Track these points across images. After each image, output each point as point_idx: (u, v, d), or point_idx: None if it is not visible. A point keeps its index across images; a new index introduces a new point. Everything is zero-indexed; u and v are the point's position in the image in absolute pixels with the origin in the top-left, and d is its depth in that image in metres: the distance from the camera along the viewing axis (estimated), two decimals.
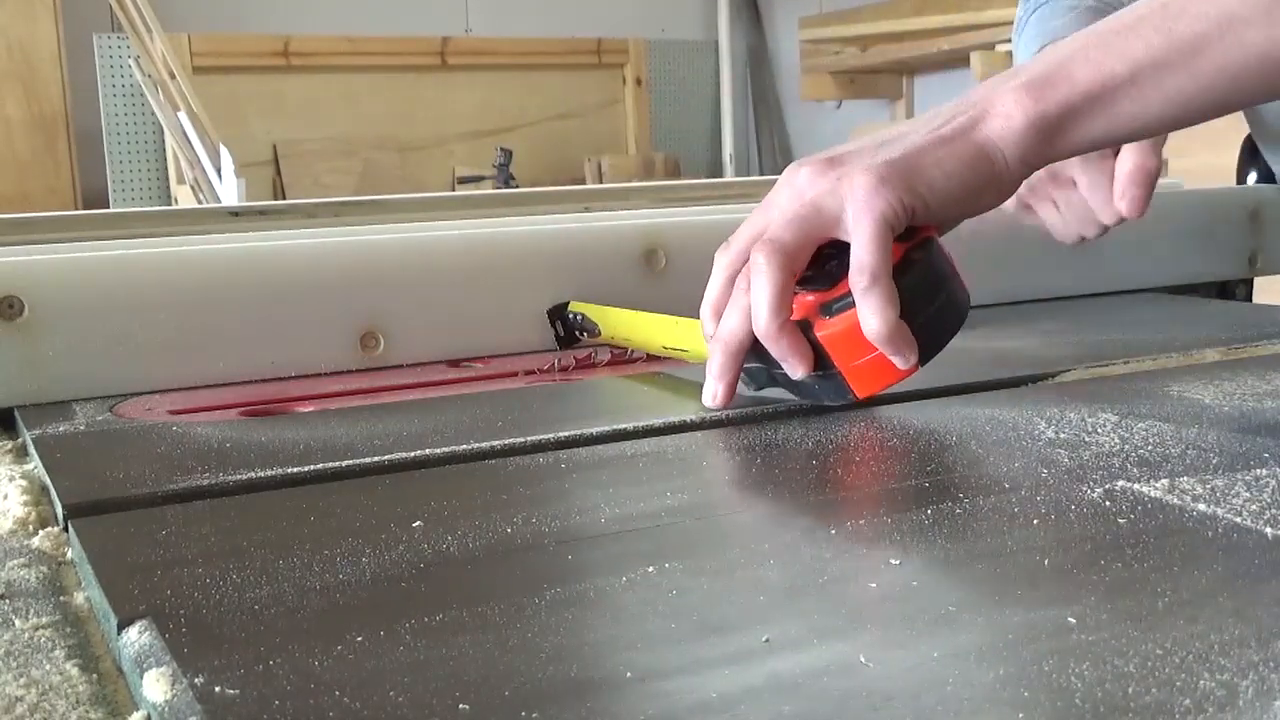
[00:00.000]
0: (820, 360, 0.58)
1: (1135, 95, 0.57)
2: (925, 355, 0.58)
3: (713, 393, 0.60)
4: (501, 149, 4.09)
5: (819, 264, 0.58)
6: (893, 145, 0.58)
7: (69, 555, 0.47)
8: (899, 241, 0.57)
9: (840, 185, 0.57)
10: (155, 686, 0.32)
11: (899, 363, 0.57)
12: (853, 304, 0.56)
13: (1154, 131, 0.60)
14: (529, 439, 0.56)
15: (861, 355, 0.57)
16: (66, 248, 0.75)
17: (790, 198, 0.59)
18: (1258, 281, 1.09)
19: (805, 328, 0.57)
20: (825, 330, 0.57)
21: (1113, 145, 0.59)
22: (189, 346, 0.70)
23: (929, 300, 0.58)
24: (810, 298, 0.58)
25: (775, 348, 0.57)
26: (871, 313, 0.55)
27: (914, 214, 0.57)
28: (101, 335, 0.68)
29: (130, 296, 0.69)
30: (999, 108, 0.58)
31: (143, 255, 0.72)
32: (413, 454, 0.54)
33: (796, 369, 0.58)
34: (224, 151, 3.25)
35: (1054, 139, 0.58)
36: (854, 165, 0.57)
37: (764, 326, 0.57)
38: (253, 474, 0.52)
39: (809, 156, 0.60)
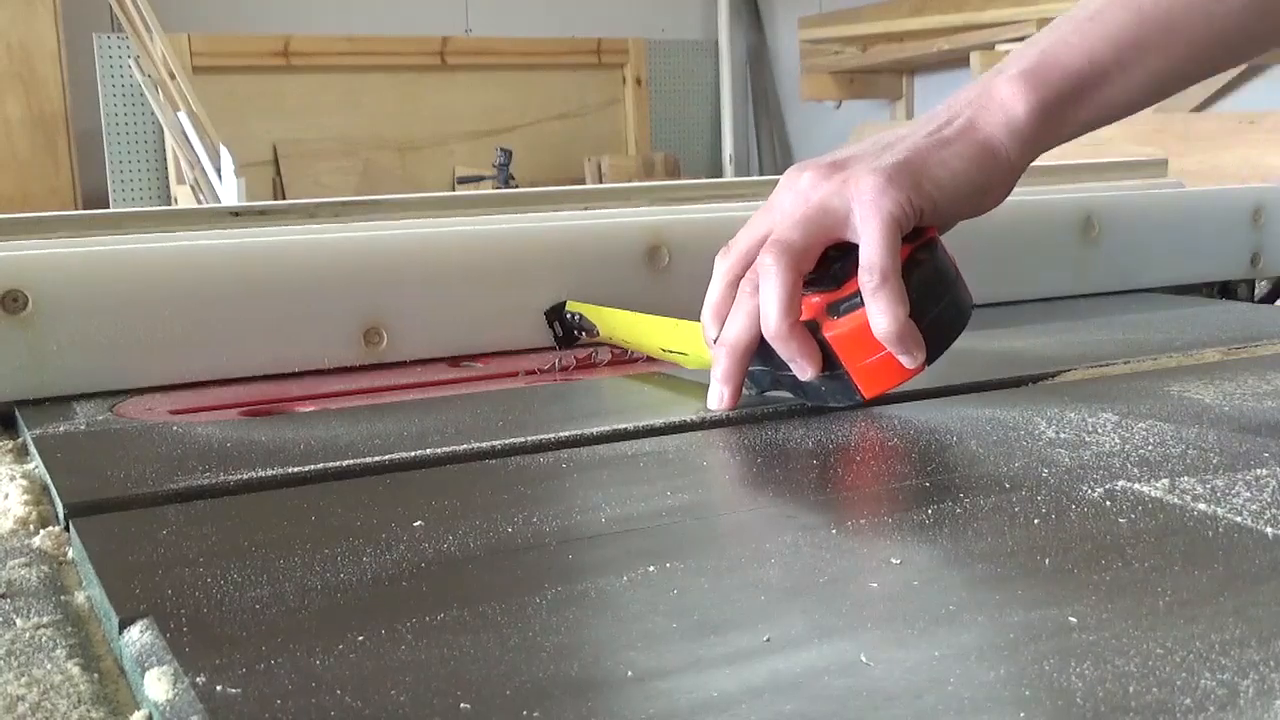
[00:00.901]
0: (828, 361, 0.58)
1: (1119, 77, 0.59)
2: (931, 355, 0.58)
3: (719, 396, 0.60)
4: (501, 149, 4.08)
5: (823, 266, 0.58)
6: (895, 148, 0.58)
7: (70, 554, 0.47)
8: (904, 242, 0.57)
9: (846, 186, 0.57)
10: (157, 686, 0.32)
11: (907, 362, 0.57)
12: (861, 304, 0.56)
13: (1137, 108, 0.61)
14: (529, 439, 0.56)
15: (869, 355, 0.57)
16: (71, 242, 0.75)
17: (794, 200, 0.59)
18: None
19: (813, 328, 0.57)
20: (833, 330, 0.57)
21: (1103, 125, 0.61)
22: (194, 342, 0.70)
23: (936, 300, 0.58)
24: (817, 299, 0.58)
25: (784, 349, 0.57)
26: (881, 312, 0.55)
27: (921, 214, 0.57)
28: (106, 330, 0.68)
29: (135, 291, 0.69)
30: (997, 101, 0.58)
31: (148, 250, 0.72)
32: (413, 454, 0.54)
33: (806, 370, 0.57)
34: (224, 151, 3.25)
35: (1052, 125, 0.59)
36: (859, 167, 0.57)
37: (774, 328, 0.57)
38: (253, 474, 0.52)
39: (809, 160, 0.60)
